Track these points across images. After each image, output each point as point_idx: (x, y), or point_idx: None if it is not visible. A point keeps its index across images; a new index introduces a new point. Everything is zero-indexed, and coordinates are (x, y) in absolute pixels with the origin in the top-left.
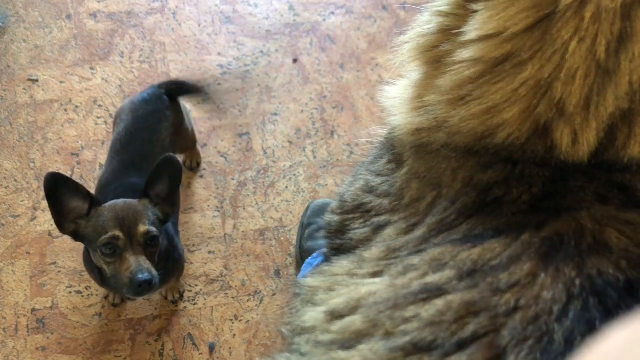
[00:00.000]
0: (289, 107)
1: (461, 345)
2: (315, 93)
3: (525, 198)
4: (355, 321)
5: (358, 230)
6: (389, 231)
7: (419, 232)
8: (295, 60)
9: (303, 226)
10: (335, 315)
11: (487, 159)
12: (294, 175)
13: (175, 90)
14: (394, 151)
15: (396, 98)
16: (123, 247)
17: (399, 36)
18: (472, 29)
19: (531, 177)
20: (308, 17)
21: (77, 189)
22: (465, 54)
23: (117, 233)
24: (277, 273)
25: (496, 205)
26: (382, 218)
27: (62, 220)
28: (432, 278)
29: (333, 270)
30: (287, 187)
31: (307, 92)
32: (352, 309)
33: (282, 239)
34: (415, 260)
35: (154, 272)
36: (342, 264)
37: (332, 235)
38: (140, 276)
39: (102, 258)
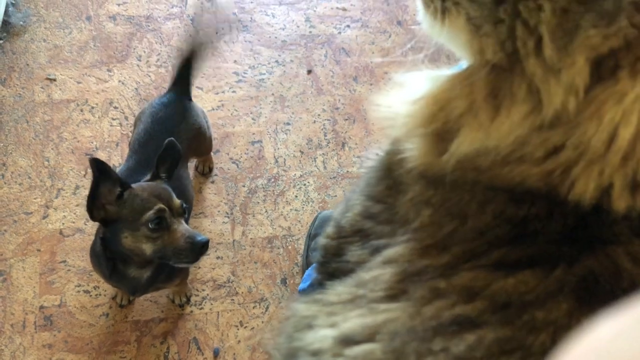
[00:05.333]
0: (301, 117)
1: None
2: (327, 104)
3: (559, 229)
4: (374, 350)
5: (356, 252)
6: (398, 251)
7: (443, 259)
8: (309, 71)
9: (310, 236)
10: (348, 341)
11: (521, 195)
12: (304, 184)
13: (180, 87)
14: (392, 174)
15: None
16: (169, 219)
17: (412, 52)
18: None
19: (566, 211)
20: (324, 30)
21: (110, 174)
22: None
23: (162, 206)
24: (284, 281)
25: (531, 237)
26: (382, 241)
27: (93, 206)
28: (463, 309)
29: (329, 299)
30: (296, 196)
31: (319, 103)
32: (369, 336)
33: (289, 247)
34: (441, 284)
35: None
36: (338, 290)
37: (327, 259)
38: (199, 238)
39: (147, 235)
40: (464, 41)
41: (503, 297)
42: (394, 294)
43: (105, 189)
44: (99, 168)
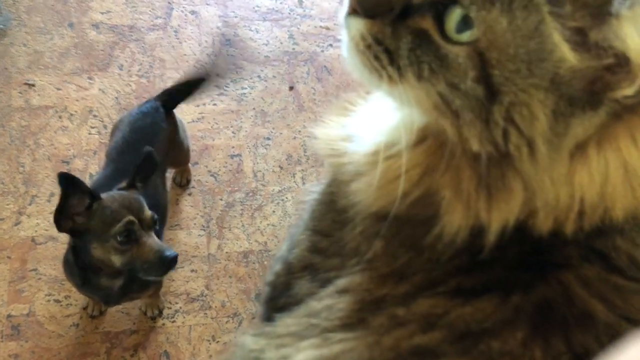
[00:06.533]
0: (281, 132)
1: None
2: (308, 121)
3: (514, 255)
4: None
5: (305, 285)
6: (355, 280)
7: (402, 288)
8: (291, 88)
9: None
10: None
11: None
12: (282, 200)
13: (169, 99)
14: (336, 207)
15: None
16: (138, 232)
17: None
18: None
19: (523, 237)
20: (307, 47)
21: (80, 186)
22: None
23: (132, 218)
24: (258, 297)
25: (487, 264)
26: (332, 273)
27: (60, 218)
28: (422, 339)
29: (277, 331)
30: (274, 211)
31: (300, 120)
32: None
33: (265, 263)
34: (400, 311)
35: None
36: (286, 322)
37: (277, 294)
38: (168, 253)
39: (116, 247)
40: (422, 107)
41: (461, 326)
42: (351, 323)
43: (75, 200)
44: (68, 182)
